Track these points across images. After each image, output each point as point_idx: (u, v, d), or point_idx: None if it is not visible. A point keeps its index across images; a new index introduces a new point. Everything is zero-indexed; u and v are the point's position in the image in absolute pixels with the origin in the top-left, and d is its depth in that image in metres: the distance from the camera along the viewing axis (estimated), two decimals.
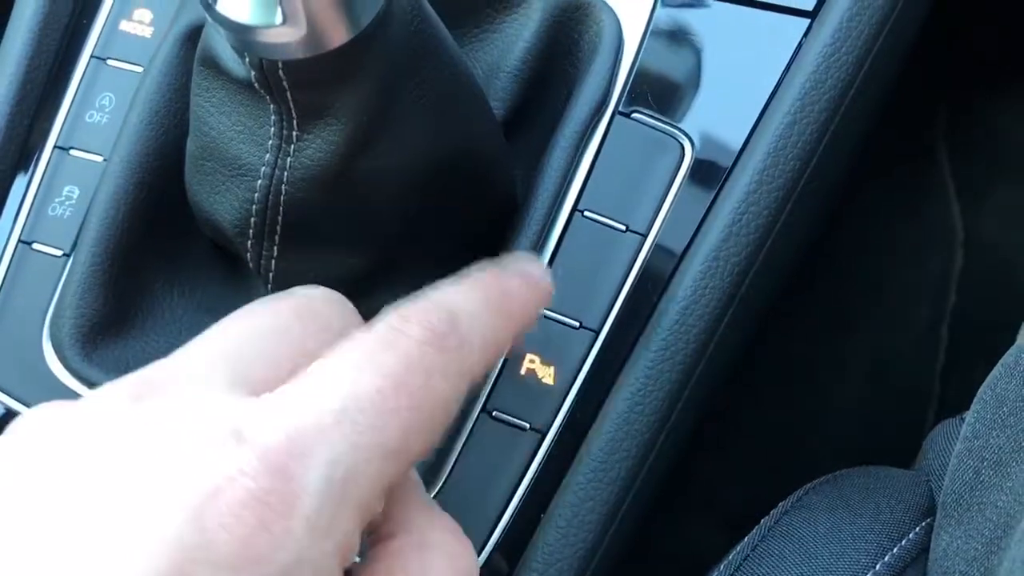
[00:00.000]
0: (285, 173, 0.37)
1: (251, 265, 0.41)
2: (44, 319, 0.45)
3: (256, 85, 0.35)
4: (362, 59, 0.34)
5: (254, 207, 0.38)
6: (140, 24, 0.49)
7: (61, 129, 0.48)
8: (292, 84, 0.34)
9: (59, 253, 0.46)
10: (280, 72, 0.33)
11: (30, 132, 0.48)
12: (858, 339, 0.78)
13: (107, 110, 0.48)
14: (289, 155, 0.36)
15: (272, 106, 0.36)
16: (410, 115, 0.37)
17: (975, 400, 0.44)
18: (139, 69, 0.47)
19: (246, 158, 0.37)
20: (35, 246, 0.46)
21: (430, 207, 0.41)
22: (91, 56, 0.49)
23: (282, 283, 0.41)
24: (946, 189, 0.83)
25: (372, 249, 0.41)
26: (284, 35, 0.32)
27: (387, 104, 0.36)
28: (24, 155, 0.48)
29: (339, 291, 0.43)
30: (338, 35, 0.32)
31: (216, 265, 0.47)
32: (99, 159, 0.47)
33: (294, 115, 0.35)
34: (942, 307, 0.80)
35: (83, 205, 0.46)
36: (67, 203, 0.47)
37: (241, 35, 0.32)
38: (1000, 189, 0.82)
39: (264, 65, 0.33)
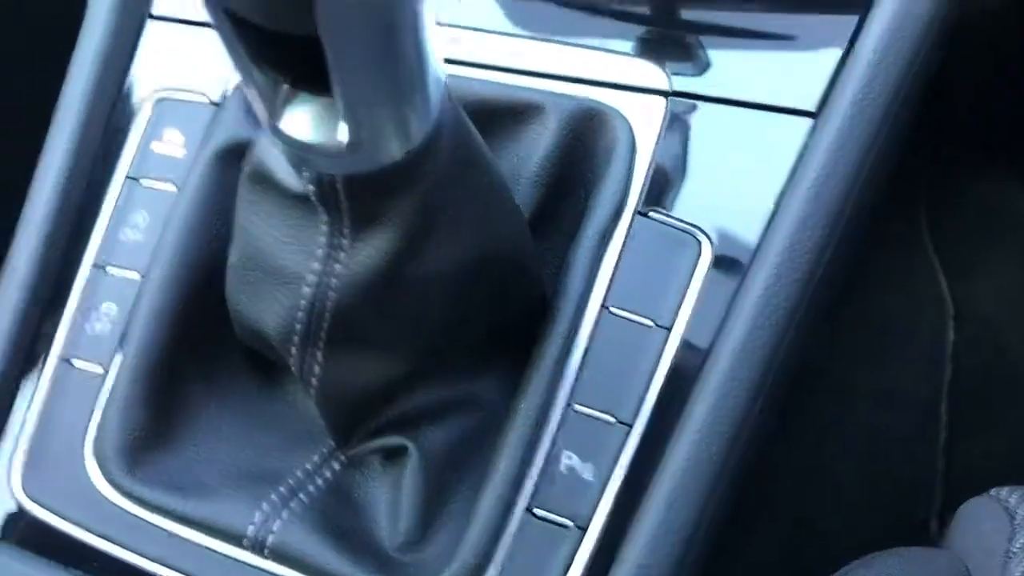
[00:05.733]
0: (333, 280, 0.38)
1: (294, 370, 0.42)
2: (85, 435, 0.46)
3: (313, 198, 0.36)
4: (415, 171, 0.36)
5: (299, 313, 0.39)
6: (171, 144, 0.51)
7: (98, 248, 0.49)
8: (348, 196, 0.36)
9: (99, 370, 0.47)
10: (338, 185, 0.35)
11: (67, 252, 0.50)
12: (858, 419, 0.79)
13: (141, 228, 0.49)
14: (338, 262, 0.38)
15: (324, 216, 0.37)
16: (455, 219, 0.39)
17: None
18: (172, 188, 0.49)
19: (293, 267, 0.39)
20: (75, 363, 0.47)
21: (468, 309, 0.42)
22: (125, 177, 0.50)
23: (325, 387, 0.42)
24: (932, 263, 0.84)
25: (412, 351, 0.42)
26: (344, 152, 0.33)
27: (435, 210, 0.38)
28: (62, 274, 0.49)
29: (378, 392, 0.43)
30: (394, 151, 0.34)
31: (252, 373, 0.48)
32: (136, 276, 0.48)
33: (346, 224, 0.37)
34: (938, 382, 0.81)
35: (121, 321, 0.47)
36: (105, 319, 0.48)
37: (302, 152, 0.34)
38: (988, 261, 0.83)
39: (323, 179, 0.35)
